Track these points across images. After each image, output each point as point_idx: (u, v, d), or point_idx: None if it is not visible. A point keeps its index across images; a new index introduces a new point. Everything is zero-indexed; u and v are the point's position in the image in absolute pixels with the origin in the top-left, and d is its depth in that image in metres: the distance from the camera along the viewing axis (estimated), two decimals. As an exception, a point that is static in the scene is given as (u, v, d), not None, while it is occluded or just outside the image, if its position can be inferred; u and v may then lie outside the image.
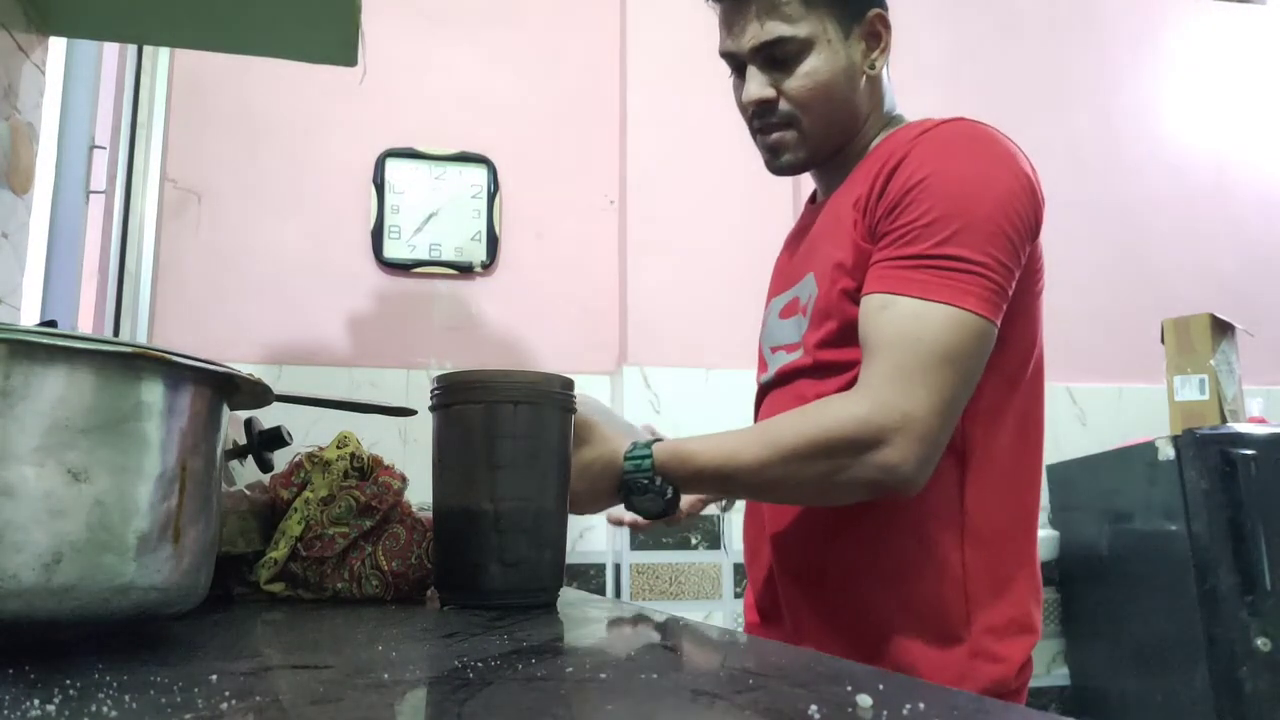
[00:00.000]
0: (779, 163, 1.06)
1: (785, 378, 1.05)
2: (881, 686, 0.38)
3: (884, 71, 1.06)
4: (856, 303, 0.94)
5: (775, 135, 1.03)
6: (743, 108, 1.06)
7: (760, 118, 1.03)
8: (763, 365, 1.13)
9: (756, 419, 1.11)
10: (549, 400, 0.76)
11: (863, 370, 0.90)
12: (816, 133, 1.02)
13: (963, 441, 0.93)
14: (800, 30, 0.99)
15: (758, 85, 1.01)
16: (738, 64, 1.05)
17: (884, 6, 1.04)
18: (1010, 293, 0.91)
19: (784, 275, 1.14)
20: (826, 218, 1.06)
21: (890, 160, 0.94)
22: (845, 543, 0.96)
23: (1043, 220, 0.95)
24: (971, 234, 0.88)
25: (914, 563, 0.93)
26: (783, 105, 1.01)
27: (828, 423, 0.88)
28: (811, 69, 0.99)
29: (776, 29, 0.99)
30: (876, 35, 1.03)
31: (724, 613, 2.17)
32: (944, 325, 0.86)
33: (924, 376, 0.86)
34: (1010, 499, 0.95)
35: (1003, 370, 0.94)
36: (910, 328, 0.87)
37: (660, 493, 0.92)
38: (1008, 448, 0.95)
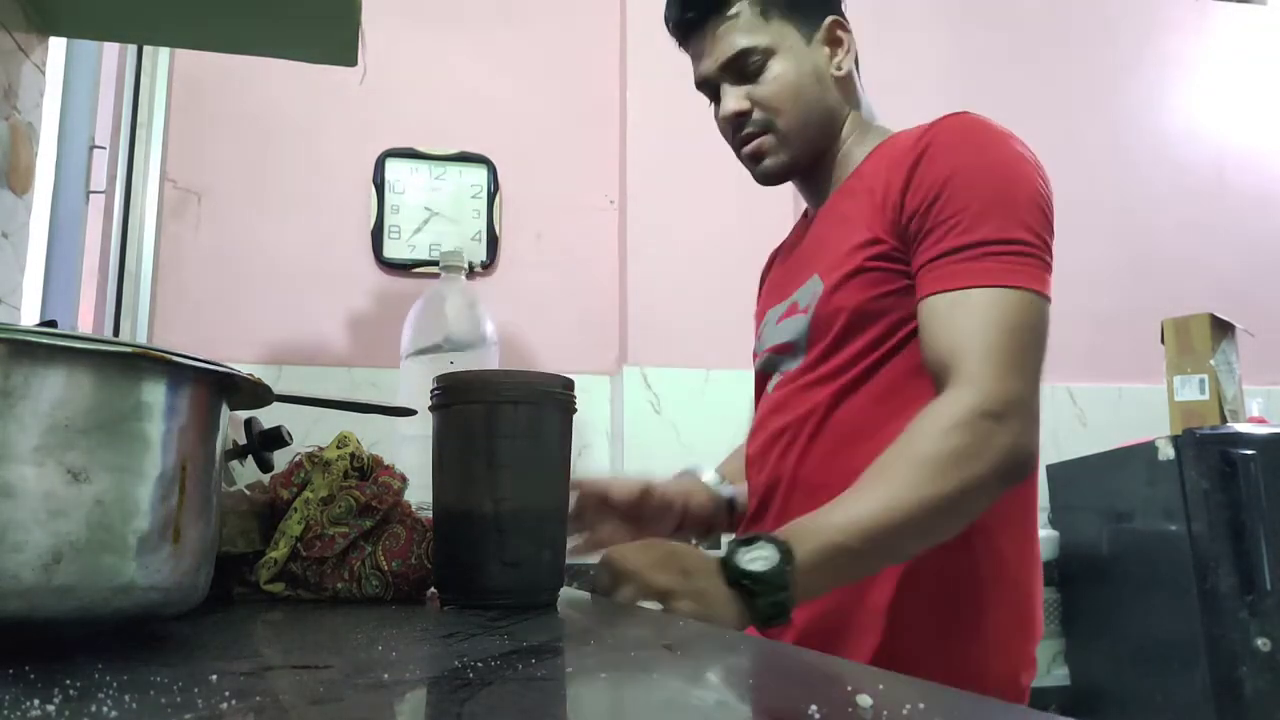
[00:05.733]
0: (762, 168, 1.08)
1: (774, 364, 1.07)
2: (881, 686, 0.38)
3: (854, 76, 1.10)
4: (871, 285, 0.96)
5: (754, 143, 1.07)
6: (723, 129, 1.10)
7: (738, 130, 1.07)
8: (758, 377, 1.14)
9: (753, 421, 1.12)
10: (549, 400, 0.76)
11: (953, 367, 0.87)
12: (793, 133, 1.05)
13: None
14: (760, 40, 1.04)
15: (732, 99, 1.06)
16: (713, 89, 1.09)
17: (840, 13, 1.09)
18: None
19: (779, 286, 1.14)
20: (827, 222, 1.07)
21: (905, 159, 0.96)
22: None
23: None
24: (1021, 217, 0.91)
25: (925, 560, 0.91)
26: (756, 113, 1.05)
27: (945, 424, 0.83)
28: (778, 73, 1.04)
29: (738, 41, 1.04)
30: (837, 40, 1.08)
31: (724, 613, 2.16)
32: (1024, 309, 0.88)
33: (1021, 360, 0.87)
34: (1011, 496, 0.95)
35: None
36: (993, 316, 0.88)
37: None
38: None
